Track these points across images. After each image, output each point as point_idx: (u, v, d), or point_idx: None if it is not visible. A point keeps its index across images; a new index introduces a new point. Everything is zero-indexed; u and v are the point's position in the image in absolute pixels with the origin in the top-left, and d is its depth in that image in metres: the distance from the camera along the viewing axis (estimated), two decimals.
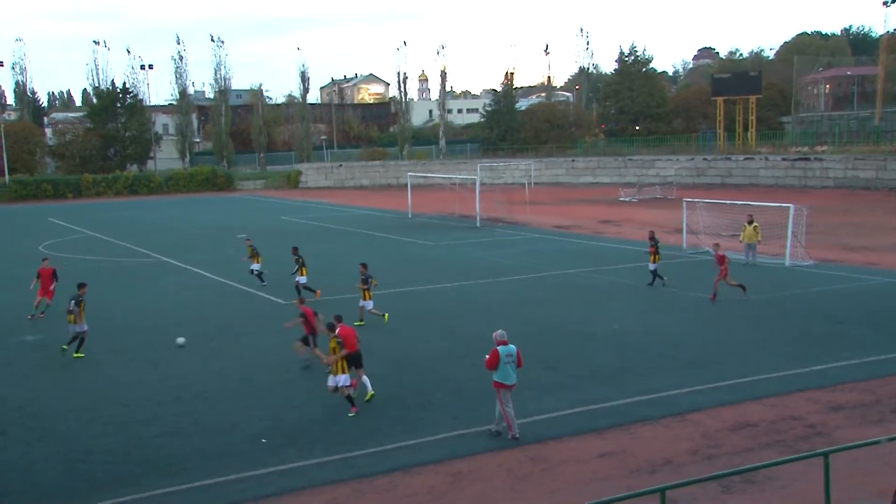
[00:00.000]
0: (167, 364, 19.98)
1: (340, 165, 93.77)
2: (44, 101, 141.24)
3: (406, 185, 61.26)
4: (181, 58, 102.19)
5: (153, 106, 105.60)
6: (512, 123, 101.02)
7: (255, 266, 29.70)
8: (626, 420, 15.64)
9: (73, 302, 20.31)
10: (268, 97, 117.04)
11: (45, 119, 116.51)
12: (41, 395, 17.71)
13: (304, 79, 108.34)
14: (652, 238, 28.69)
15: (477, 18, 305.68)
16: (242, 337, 22.76)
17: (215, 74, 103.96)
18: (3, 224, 57.47)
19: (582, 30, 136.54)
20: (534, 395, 17.12)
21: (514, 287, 29.38)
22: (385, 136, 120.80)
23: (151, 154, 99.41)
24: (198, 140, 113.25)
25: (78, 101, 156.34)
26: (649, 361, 19.58)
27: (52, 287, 25.34)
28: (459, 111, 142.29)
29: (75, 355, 20.42)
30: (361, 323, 23.08)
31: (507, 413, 14.62)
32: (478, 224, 48.93)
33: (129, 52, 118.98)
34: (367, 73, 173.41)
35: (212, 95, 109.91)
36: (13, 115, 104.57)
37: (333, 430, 15.27)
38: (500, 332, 14.91)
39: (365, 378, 16.90)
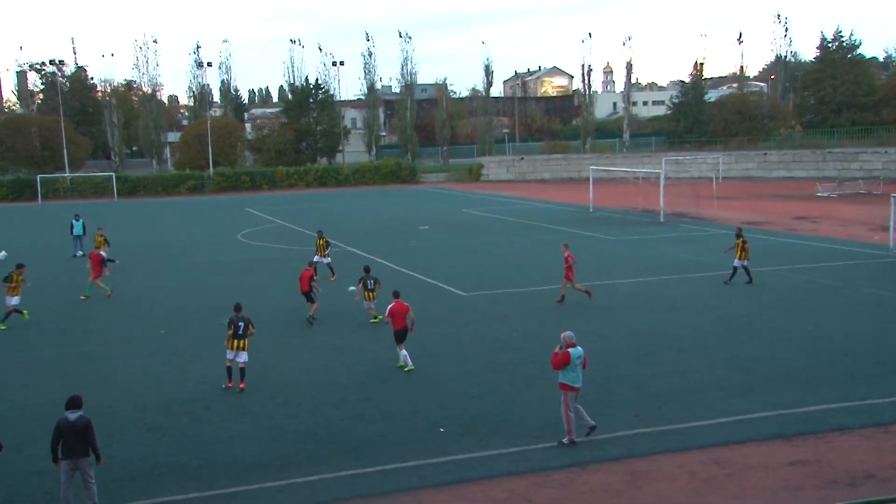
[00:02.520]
0: (352, 350, 20.73)
1: (522, 159, 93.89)
2: (245, 97, 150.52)
3: (588, 179, 60.50)
4: (370, 54, 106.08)
5: (343, 101, 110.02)
6: (700, 115, 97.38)
7: (325, 260, 30.66)
8: (820, 428, 14.68)
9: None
10: (452, 91, 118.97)
11: (246, 115, 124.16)
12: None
13: (488, 72, 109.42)
14: (739, 234, 28.25)
15: (665, 8, 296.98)
16: (423, 326, 23.20)
17: (402, 70, 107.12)
18: (207, 214, 61.75)
19: (779, 16, 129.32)
20: (720, 395, 16.46)
21: (699, 284, 28.31)
22: (567, 129, 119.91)
23: (340, 147, 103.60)
24: (384, 133, 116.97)
25: (275, 98, 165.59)
26: (848, 366, 18.30)
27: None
28: (645, 103, 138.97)
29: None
30: (377, 320, 23.08)
31: (569, 416, 14.17)
32: (662, 219, 47.55)
33: (320, 49, 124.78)
34: (550, 66, 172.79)
35: (398, 90, 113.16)
36: (218, 112, 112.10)
37: (512, 422, 15.28)
38: (569, 333, 14.52)
39: (404, 352, 18.73)
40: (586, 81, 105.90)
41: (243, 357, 17.69)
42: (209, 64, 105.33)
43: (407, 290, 28.62)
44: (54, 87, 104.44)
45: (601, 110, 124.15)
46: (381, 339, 21.71)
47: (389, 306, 18.99)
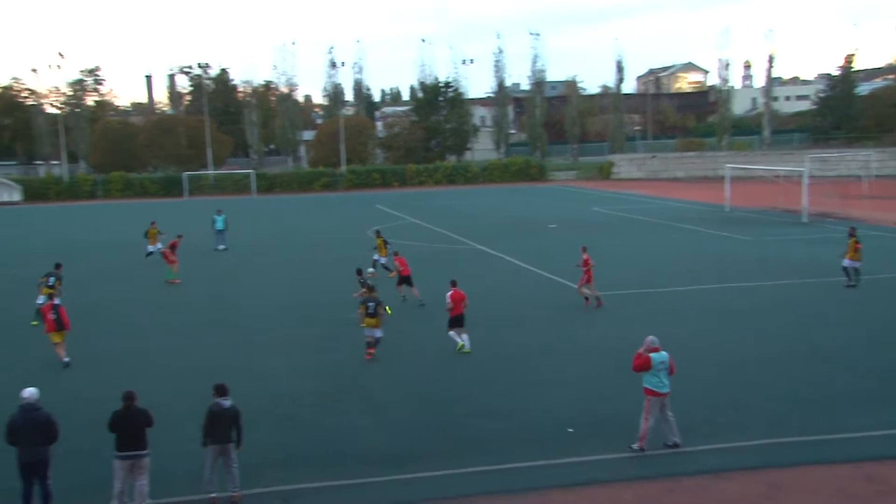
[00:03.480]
0: (477, 346, 20.61)
1: (654, 156, 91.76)
2: (376, 96, 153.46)
3: (723, 177, 58.42)
4: (500, 51, 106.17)
5: (472, 99, 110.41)
6: (849, 110, 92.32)
7: (382, 259, 30.48)
8: None
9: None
10: (582, 88, 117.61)
11: (377, 113, 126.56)
12: (368, 369, 19.11)
13: (620, 69, 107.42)
14: (852, 234, 27.14)
15: None
16: (550, 325, 22.92)
17: (531, 67, 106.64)
18: (339, 210, 63.24)
19: None
20: (866, 407, 15.47)
21: (841, 288, 26.73)
22: (702, 126, 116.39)
23: (469, 145, 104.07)
24: (513, 131, 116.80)
25: (405, 96, 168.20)
26: None
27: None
28: (787, 98, 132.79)
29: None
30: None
31: (647, 424, 13.63)
32: (804, 219, 45.32)
33: (451, 48, 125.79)
34: (685, 61, 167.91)
35: (527, 87, 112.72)
36: (350, 111, 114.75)
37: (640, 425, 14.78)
38: (652, 337, 14.03)
39: (465, 336, 20.06)
40: (723, 76, 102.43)
41: (378, 333, 19.70)
42: (343, 64, 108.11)
43: (533, 288, 28.50)
44: (200, 88, 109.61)
45: (739, 106, 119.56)
46: (503, 337, 21.55)
47: (448, 293, 20.31)
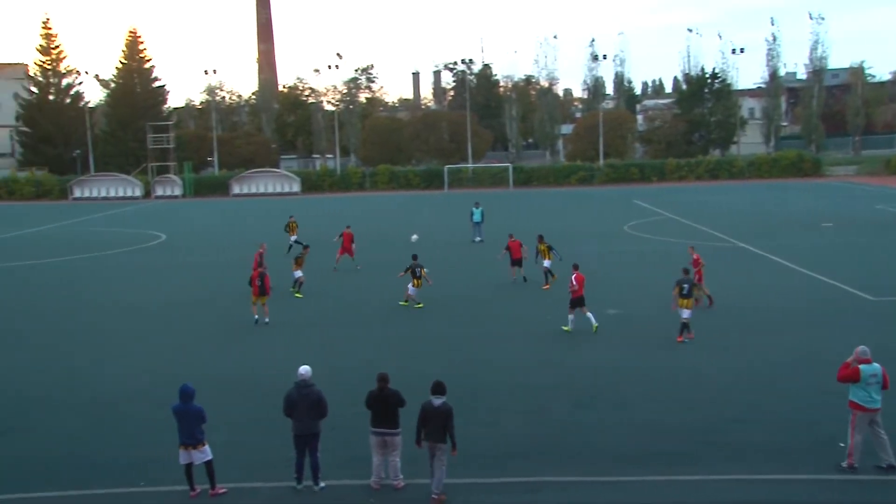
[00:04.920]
0: (735, 350, 19.55)
1: None
2: (638, 89, 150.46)
3: None
4: (774, 39, 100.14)
5: (740, 90, 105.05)
6: None
7: (547, 263, 28.60)
8: None
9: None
10: (870, 75, 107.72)
11: (637, 106, 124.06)
12: (621, 363, 18.75)
13: None
14: None
15: None
16: (816, 330, 21.23)
17: (810, 54, 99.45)
18: (595, 204, 62.63)
19: None
20: None
21: None
22: None
23: (735, 138, 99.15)
24: (784, 124, 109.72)
25: (668, 88, 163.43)
26: None
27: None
28: None
29: None
30: (406, 303, 25.43)
31: (853, 441, 12.76)
32: None
33: (720, 37, 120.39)
34: None
35: (804, 76, 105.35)
36: (610, 104, 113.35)
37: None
38: (862, 348, 13.02)
39: (590, 314, 21.39)
40: None
41: (686, 314, 20.32)
42: (604, 57, 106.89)
43: (801, 290, 26.47)
44: (463, 84, 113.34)
45: None
46: (768, 341, 20.20)
47: (572, 276, 21.47)
